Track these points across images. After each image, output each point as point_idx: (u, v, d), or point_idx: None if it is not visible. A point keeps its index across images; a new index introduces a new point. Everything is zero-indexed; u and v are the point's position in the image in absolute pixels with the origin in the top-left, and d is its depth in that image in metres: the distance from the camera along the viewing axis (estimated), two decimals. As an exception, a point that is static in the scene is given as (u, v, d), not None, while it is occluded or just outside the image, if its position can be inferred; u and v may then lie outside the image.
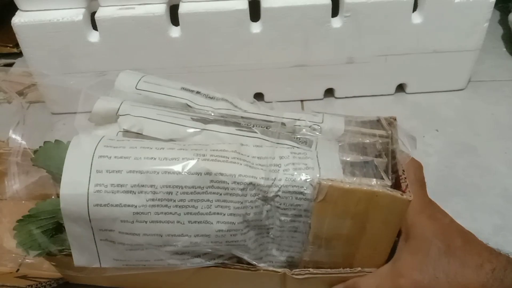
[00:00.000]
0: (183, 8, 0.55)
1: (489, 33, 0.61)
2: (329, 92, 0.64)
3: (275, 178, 0.34)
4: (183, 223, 0.33)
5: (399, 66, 0.61)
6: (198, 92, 0.40)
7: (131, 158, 0.33)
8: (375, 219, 0.34)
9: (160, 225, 0.33)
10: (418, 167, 0.36)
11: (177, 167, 0.33)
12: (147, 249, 0.34)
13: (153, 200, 0.32)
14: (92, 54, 0.57)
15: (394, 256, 0.35)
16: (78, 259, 0.35)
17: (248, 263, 0.37)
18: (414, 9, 0.57)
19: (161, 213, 0.33)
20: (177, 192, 0.33)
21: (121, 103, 0.37)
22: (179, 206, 0.33)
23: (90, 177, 0.32)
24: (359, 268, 0.37)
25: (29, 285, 0.41)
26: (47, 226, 0.35)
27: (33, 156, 0.34)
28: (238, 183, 0.33)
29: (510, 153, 0.55)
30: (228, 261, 0.37)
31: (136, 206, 0.32)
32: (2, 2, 0.63)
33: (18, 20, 0.56)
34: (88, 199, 0.32)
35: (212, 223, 0.34)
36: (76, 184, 0.32)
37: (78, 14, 0.56)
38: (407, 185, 0.33)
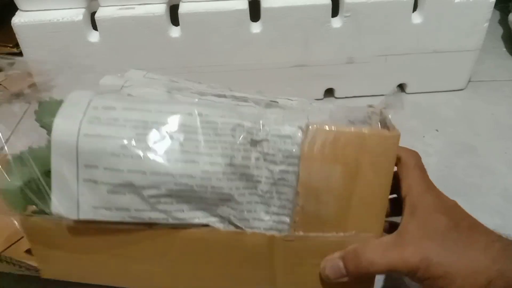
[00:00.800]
0: (183, 8, 0.55)
1: (489, 33, 0.61)
2: (329, 92, 0.64)
3: (263, 124, 0.34)
4: (169, 161, 0.33)
5: (399, 66, 0.61)
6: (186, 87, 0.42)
7: (127, 100, 0.35)
8: (366, 166, 0.33)
9: (145, 161, 0.33)
10: (415, 155, 0.36)
11: (172, 108, 0.34)
12: (129, 194, 0.33)
13: (142, 135, 0.33)
14: (92, 54, 0.57)
15: (398, 229, 0.34)
16: (56, 205, 0.33)
17: (235, 227, 0.36)
18: (414, 9, 0.57)
19: (148, 149, 0.33)
20: (167, 130, 0.33)
21: (126, 81, 0.39)
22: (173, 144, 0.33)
23: (85, 111, 0.33)
24: (354, 232, 0.35)
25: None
26: (31, 175, 0.34)
27: (37, 109, 0.36)
28: (227, 124, 0.34)
29: (510, 153, 0.55)
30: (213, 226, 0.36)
31: (125, 139, 0.32)
32: (2, 2, 0.63)
33: (18, 20, 0.56)
34: (79, 128, 0.32)
35: (198, 162, 0.33)
36: (70, 115, 0.33)
37: (78, 14, 0.56)
38: (391, 126, 0.34)
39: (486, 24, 0.59)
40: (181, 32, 0.56)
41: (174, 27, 0.56)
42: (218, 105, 0.37)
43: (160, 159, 0.33)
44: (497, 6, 0.61)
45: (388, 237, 0.34)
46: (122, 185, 0.33)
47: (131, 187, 0.33)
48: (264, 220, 0.36)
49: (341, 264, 0.34)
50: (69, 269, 0.39)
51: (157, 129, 0.33)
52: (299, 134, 0.34)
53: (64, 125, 0.32)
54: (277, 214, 0.36)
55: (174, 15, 0.56)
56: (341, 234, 0.35)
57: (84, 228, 0.35)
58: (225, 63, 0.59)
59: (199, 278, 0.38)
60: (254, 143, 0.34)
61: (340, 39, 0.57)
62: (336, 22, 0.57)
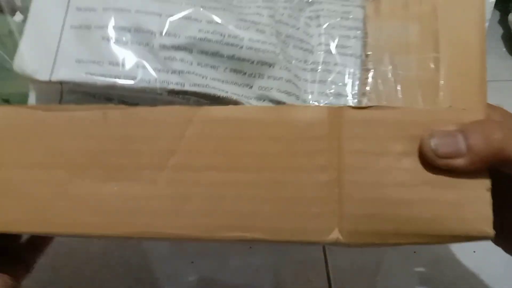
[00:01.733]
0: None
1: (489, 33, 0.61)
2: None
3: None
4: (189, 2, 0.24)
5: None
6: None
7: None
8: (447, 19, 0.26)
9: (159, 2, 0.24)
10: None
11: None
12: (132, 44, 0.24)
13: None
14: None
15: None
16: (23, 59, 0.24)
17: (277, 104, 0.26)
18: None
19: None
20: None
21: None
22: None
23: None
24: (450, 105, 0.25)
25: None
26: None
27: None
28: None
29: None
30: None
31: None
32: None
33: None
34: None
35: (231, 10, 0.25)
36: None
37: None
38: None
39: (486, 24, 0.59)
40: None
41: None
42: None
43: (182, 3, 0.25)
44: (497, 6, 0.60)
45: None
46: (126, 29, 0.24)
47: (137, 33, 0.24)
48: (317, 99, 0.26)
49: (460, 137, 0.24)
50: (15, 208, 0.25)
51: None
52: None
53: None
54: (335, 83, 0.26)
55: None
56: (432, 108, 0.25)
57: (48, 117, 0.24)
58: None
59: (226, 189, 0.25)
60: (302, 3, 0.27)
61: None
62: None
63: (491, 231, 0.24)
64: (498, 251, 0.31)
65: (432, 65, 0.25)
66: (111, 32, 0.24)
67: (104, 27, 0.24)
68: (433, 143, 0.24)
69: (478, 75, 0.25)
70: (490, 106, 0.25)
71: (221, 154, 0.24)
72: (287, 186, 0.24)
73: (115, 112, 0.24)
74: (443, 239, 0.24)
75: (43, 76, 0.24)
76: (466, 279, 0.46)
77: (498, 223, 0.24)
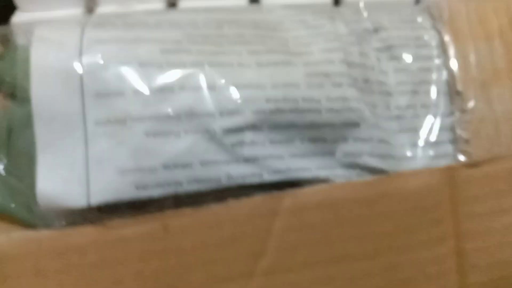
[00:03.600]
0: (181, 5, 0.55)
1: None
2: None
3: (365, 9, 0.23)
4: (249, 66, 0.19)
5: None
6: None
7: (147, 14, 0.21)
8: None
9: (209, 68, 0.18)
10: None
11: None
12: (187, 134, 0.18)
13: (194, 35, 0.19)
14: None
15: None
16: (45, 186, 0.17)
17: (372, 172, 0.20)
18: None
19: (207, 53, 0.18)
20: (231, 26, 0.20)
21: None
22: (238, 43, 0.19)
23: (82, 25, 0.18)
24: None
25: None
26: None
27: None
28: (317, 13, 0.22)
29: None
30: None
31: (167, 42, 0.18)
32: (3, 2, 0.63)
33: (18, 20, 0.56)
34: (82, 34, 0.18)
35: (295, 64, 0.19)
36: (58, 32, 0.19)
37: (77, 14, 0.56)
38: None
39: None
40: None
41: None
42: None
43: (234, 65, 0.19)
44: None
45: None
46: (173, 118, 0.19)
47: (190, 119, 0.19)
48: (415, 155, 0.22)
49: None
50: None
51: (216, 26, 0.19)
52: (433, 9, 0.23)
53: (51, 32, 0.18)
54: (428, 130, 0.22)
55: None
56: None
57: (93, 241, 0.18)
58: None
59: (334, 284, 0.22)
60: (367, 33, 0.22)
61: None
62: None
63: None
64: None
65: None
66: (156, 124, 0.18)
67: (144, 118, 0.18)
68: None
69: None
70: None
71: (321, 245, 0.21)
72: (403, 267, 0.22)
73: (179, 220, 0.19)
74: None
75: (78, 202, 0.17)
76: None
77: None
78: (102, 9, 0.59)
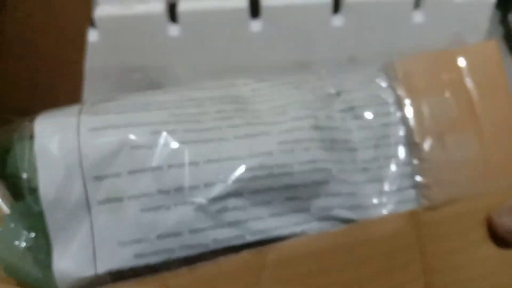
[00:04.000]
0: (181, 6, 0.55)
1: (489, 33, 0.61)
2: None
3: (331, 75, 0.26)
4: (227, 139, 0.22)
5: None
6: None
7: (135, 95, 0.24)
8: (475, 85, 0.24)
9: (194, 147, 0.21)
10: None
11: (204, 85, 0.25)
12: (177, 206, 0.21)
13: (178, 115, 0.22)
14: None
15: None
16: (60, 260, 0.20)
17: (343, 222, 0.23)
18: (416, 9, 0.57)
19: (191, 131, 0.21)
20: (209, 105, 0.23)
21: None
22: (218, 119, 0.22)
23: (78, 113, 0.21)
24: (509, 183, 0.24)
25: None
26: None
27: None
28: (287, 83, 0.25)
29: None
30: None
31: (155, 123, 0.21)
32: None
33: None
34: (78, 123, 0.21)
35: (269, 133, 0.22)
36: (56, 119, 0.21)
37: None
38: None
39: (486, 24, 0.59)
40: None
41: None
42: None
43: (215, 140, 0.22)
44: (497, 6, 0.61)
45: None
46: (164, 192, 0.21)
47: (178, 193, 0.21)
48: (381, 202, 0.24)
49: None
50: None
51: (197, 104, 0.23)
52: (389, 71, 0.25)
53: (51, 124, 0.21)
54: (391, 179, 0.24)
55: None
56: (501, 182, 0.24)
57: None
58: (222, 62, 0.59)
59: None
60: (331, 97, 0.25)
61: (342, 38, 0.58)
62: (337, 21, 0.57)
63: None
64: None
65: (477, 143, 0.24)
66: (149, 200, 0.20)
67: (138, 195, 0.20)
68: (503, 221, 0.23)
69: None
70: None
71: None
72: None
73: (177, 280, 0.21)
74: None
75: (86, 271, 0.20)
76: None
77: None
78: (102, 9, 0.59)
